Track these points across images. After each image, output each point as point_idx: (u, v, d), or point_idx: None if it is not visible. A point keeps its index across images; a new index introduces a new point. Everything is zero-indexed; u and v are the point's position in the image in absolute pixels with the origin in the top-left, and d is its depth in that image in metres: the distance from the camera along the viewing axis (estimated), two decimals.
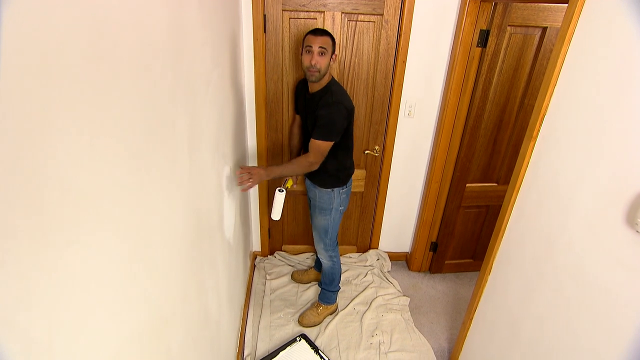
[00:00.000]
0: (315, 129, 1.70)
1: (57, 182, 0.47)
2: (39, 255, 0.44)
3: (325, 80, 1.74)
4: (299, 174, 1.71)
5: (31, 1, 0.41)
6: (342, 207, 2.01)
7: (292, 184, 2.06)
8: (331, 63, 1.71)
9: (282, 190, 1.89)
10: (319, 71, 1.67)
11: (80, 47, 0.51)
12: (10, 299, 0.40)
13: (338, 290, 2.26)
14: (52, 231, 0.47)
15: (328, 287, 2.21)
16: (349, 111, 1.74)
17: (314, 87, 1.77)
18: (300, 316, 2.24)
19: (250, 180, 1.62)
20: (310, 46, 1.64)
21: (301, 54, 1.70)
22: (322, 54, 1.65)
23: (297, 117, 2.10)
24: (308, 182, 2.04)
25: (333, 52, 1.70)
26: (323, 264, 2.17)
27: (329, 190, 1.94)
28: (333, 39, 1.69)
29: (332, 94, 1.71)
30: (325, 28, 2.05)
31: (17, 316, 0.41)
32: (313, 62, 1.64)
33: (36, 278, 0.44)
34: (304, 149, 1.99)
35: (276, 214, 1.91)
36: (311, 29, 1.71)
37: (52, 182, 0.46)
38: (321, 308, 2.24)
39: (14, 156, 0.40)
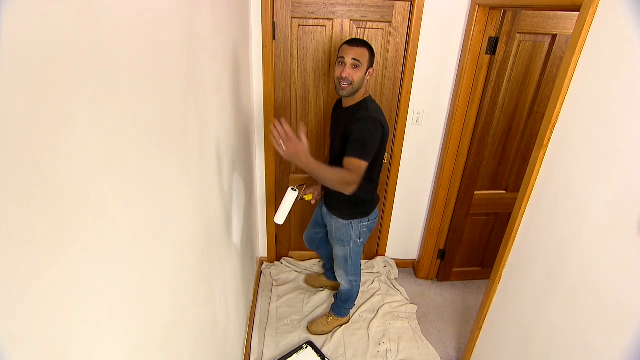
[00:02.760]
0: (349, 145, 1.48)
1: (73, 189, 0.48)
2: (55, 262, 0.45)
3: (360, 95, 1.60)
4: (331, 186, 1.44)
5: (59, 11, 0.42)
6: (362, 240, 1.86)
7: (311, 198, 1.91)
8: (367, 77, 1.56)
9: (295, 190, 1.71)
10: (351, 84, 1.52)
11: (95, 54, 0.52)
12: (28, 306, 0.41)
13: (352, 307, 2.24)
14: (67, 238, 0.47)
15: (344, 304, 2.18)
16: (385, 129, 1.55)
17: (348, 102, 1.63)
18: (309, 323, 2.23)
19: (285, 145, 1.26)
20: (343, 57, 1.51)
21: (336, 65, 1.57)
22: (355, 66, 1.50)
23: None
24: (324, 210, 1.90)
25: (370, 65, 1.55)
26: (341, 285, 2.11)
27: (347, 222, 1.78)
28: (371, 51, 1.54)
29: (367, 110, 1.55)
30: (334, 35, 2.06)
31: (34, 323, 0.42)
32: (344, 75, 1.51)
33: (52, 284, 0.44)
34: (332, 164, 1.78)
35: (281, 217, 1.73)
36: (347, 39, 1.57)
37: (67, 189, 0.47)
38: (332, 318, 2.21)
39: (29, 163, 0.40)
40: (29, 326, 0.41)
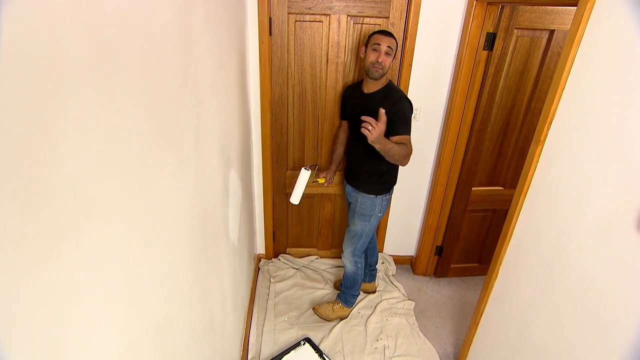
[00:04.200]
0: (397, 124, 1.68)
1: (67, 187, 0.47)
2: (49, 261, 0.44)
3: (384, 80, 1.79)
4: (395, 160, 1.68)
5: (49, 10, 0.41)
6: (381, 214, 2.00)
7: (324, 181, 2.01)
8: (392, 63, 1.77)
9: (308, 170, 1.81)
10: (383, 68, 1.71)
11: (88, 51, 0.51)
12: (21, 304, 0.40)
13: (358, 295, 2.27)
14: (62, 236, 0.46)
15: (349, 290, 2.22)
16: (412, 105, 1.78)
17: (372, 87, 1.80)
18: (317, 304, 2.29)
19: (371, 131, 1.55)
20: (379, 44, 1.69)
21: (364, 52, 1.76)
22: (387, 54, 1.70)
23: (344, 123, 2.13)
24: (349, 187, 2.02)
25: (395, 55, 1.76)
26: (346, 268, 2.17)
27: (373, 196, 1.92)
28: (397, 43, 1.76)
29: (397, 91, 1.78)
30: (330, 31, 2.05)
31: (28, 322, 0.41)
32: (380, 60, 1.69)
33: (46, 283, 0.44)
34: (352, 153, 1.99)
35: (296, 197, 1.84)
36: (378, 29, 1.82)
37: (61, 187, 0.46)
38: (337, 306, 2.24)
39: (23, 162, 0.40)
40: (21, 325, 0.41)
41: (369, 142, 1.57)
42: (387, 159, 1.68)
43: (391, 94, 1.77)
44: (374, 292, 2.48)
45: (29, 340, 0.42)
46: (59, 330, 0.47)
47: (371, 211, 1.95)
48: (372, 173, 1.87)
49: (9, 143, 0.37)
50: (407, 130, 1.72)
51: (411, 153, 1.74)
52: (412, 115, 1.77)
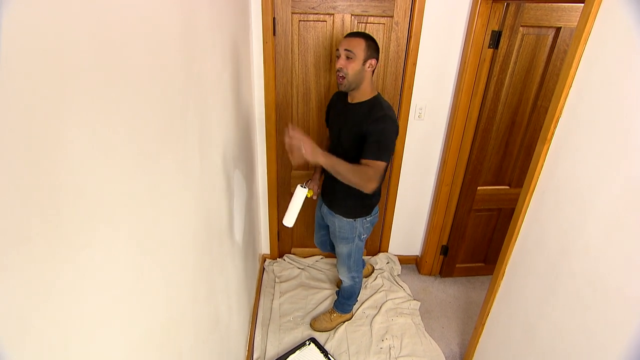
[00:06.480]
0: (368, 147, 1.44)
1: (71, 187, 0.47)
2: (53, 260, 0.44)
3: (369, 92, 1.56)
4: (353, 183, 1.39)
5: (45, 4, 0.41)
6: (365, 235, 1.84)
7: (312, 194, 1.85)
8: (366, 69, 1.48)
9: (305, 187, 1.69)
10: (345, 77, 1.47)
11: (92, 50, 0.51)
12: (26, 304, 0.40)
13: (355, 303, 2.23)
14: (66, 236, 0.47)
15: (347, 300, 2.17)
16: (398, 127, 1.52)
17: (357, 97, 1.57)
18: (312, 320, 2.23)
19: (300, 150, 1.28)
20: (337, 50, 1.48)
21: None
22: (348, 57, 1.45)
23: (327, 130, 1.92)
24: (325, 209, 1.85)
25: (370, 56, 1.47)
26: (344, 283, 2.09)
27: (351, 220, 1.76)
28: (370, 41, 1.47)
29: (382, 107, 1.50)
30: (334, 30, 2.05)
31: (33, 321, 0.41)
32: (338, 66, 1.47)
33: (51, 282, 0.44)
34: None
35: (290, 219, 1.71)
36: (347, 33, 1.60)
37: (66, 186, 0.46)
38: (335, 315, 2.20)
39: (28, 161, 0.40)
40: (26, 324, 0.41)
41: (308, 160, 1.29)
42: (338, 178, 1.40)
43: (378, 108, 1.51)
44: (371, 272, 2.49)
45: (34, 339, 0.42)
46: (63, 330, 0.47)
47: (352, 234, 1.80)
48: (351, 194, 1.61)
49: (13, 142, 0.37)
50: (379, 156, 1.42)
51: (375, 179, 1.41)
52: (395, 139, 1.49)
